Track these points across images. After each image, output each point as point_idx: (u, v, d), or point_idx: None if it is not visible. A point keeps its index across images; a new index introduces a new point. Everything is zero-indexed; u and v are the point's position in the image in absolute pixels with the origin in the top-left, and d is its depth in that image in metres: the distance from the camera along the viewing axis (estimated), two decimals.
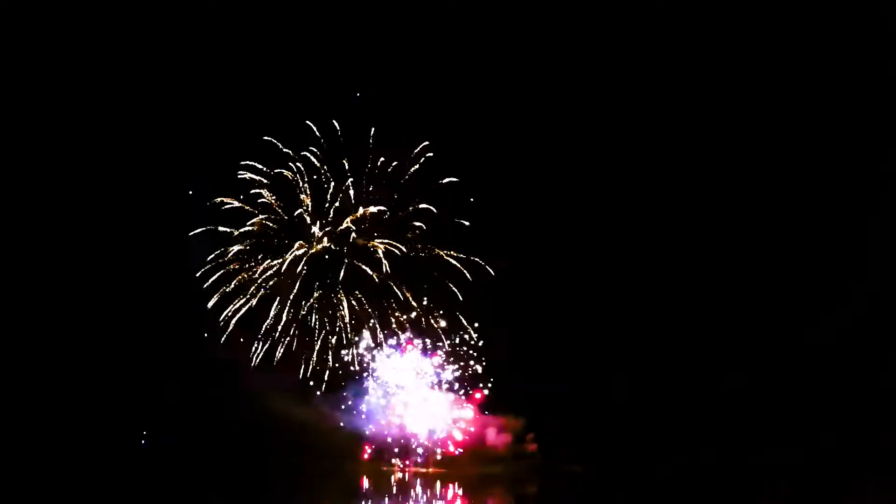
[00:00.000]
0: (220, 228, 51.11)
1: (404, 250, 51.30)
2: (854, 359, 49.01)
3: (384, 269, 51.07)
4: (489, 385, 52.12)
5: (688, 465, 49.69)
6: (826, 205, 50.26)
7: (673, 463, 50.06)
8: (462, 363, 52.19)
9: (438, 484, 49.41)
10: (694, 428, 50.07)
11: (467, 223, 50.95)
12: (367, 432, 52.40)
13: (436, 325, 51.87)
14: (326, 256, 51.74)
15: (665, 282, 52.06)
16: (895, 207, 47.89)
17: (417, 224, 51.54)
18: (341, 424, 52.16)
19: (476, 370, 51.99)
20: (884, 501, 41.53)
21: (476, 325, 51.41)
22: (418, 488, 48.27)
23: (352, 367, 51.75)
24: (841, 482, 46.17)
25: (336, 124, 51.15)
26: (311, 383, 51.15)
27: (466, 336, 51.63)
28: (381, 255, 51.25)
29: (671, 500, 45.32)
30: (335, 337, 51.49)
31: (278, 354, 50.88)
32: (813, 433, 48.26)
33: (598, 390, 51.05)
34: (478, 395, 52.22)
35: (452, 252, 51.19)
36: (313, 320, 51.44)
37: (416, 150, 51.27)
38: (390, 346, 52.06)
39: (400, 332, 52.08)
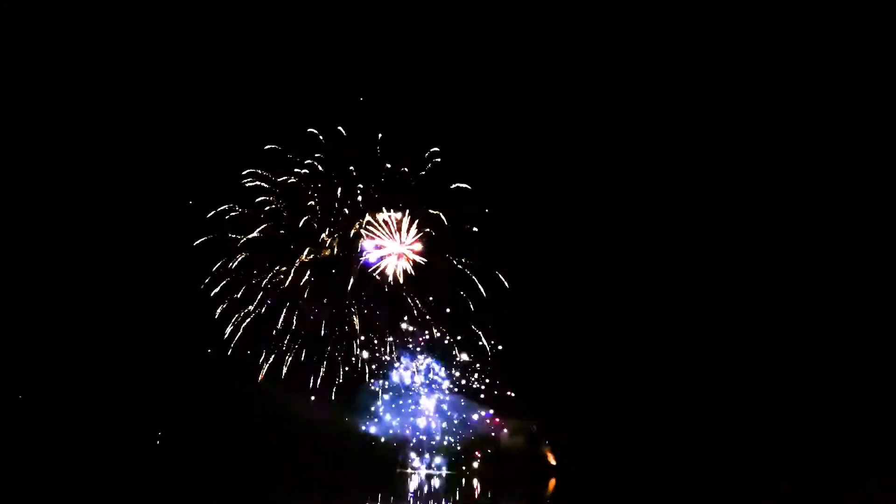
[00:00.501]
0: (229, 235, 51.47)
1: (416, 259, 51.70)
2: (854, 359, 48.78)
3: (394, 275, 51.57)
4: (502, 387, 52.54)
5: (688, 465, 49.75)
6: (826, 205, 50.04)
7: (673, 463, 50.15)
8: (474, 366, 52.68)
9: (451, 485, 49.99)
10: (694, 428, 50.07)
11: (476, 229, 51.35)
12: (379, 435, 53.25)
13: (446, 332, 52.43)
14: (333, 269, 52.20)
15: (665, 282, 52.12)
16: (895, 207, 47.67)
17: (427, 230, 51.79)
18: (351, 427, 52.86)
19: (488, 372, 52.50)
20: (884, 501, 41.35)
21: (489, 327, 51.79)
22: (430, 489, 48.78)
23: (363, 372, 52.29)
24: (841, 482, 46.06)
25: (342, 130, 51.56)
26: (322, 388, 51.49)
27: (480, 343, 52.10)
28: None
29: (671, 500, 45.41)
30: (345, 342, 51.93)
31: (287, 359, 51.27)
32: (813, 433, 48.07)
33: (599, 390, 51.31)
34: (490, 396, 52.73)
35: (463, 259, 51.52)
36: (323, 326, 51.82)
37: (424, 156, 51.60)
38: (401, 351, 52.63)
39: (411, 337, 52.58)
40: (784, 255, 50.58)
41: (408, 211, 51.38)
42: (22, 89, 51.00)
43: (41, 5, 50.33)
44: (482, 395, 53.09)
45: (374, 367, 52.40)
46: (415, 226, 51.33)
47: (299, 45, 52.53)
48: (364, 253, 51.51)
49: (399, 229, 51.37)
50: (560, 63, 53.28)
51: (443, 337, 52.50)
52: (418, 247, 51.40)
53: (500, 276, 50.76)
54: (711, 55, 51.18)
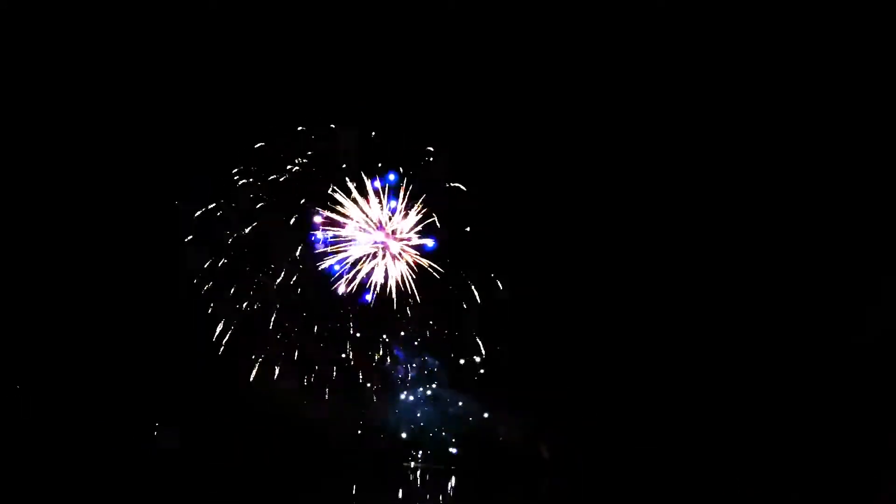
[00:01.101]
0: (219, 234, 51.11)
1: (410, 263, 51.24)
2: (854, 358, 48.89)
3: (387, 275, 51.15)
4: (500, 384, 52.39)
5: (687, 465, 49.62)
6: (828, 205, 50.09)
7: (672, 463, 49.98)
8: (470, 363, 52.51)
9: (451, 482, 50.66)
10: (693, 428, 50.02)
11: (468, 228, 51.03)
12: (375, 431, 53.29)
13: (442, 329, 52.13)
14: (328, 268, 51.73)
15: (665, 282, 52.14)
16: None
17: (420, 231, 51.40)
18: (346, 424, 52.70)
19: (485, 369, 52.37)
20: (883, 501, 41.46)
21: (487, 326, 51.78)
22: (427, 484, 49.41)
23: (358, 369, 51.99)
24: (839, 482, 46.06)
25: (334, 128, 51.17)
26: (316, 386, 51.25)
27: (477, 340, 52.01)
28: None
29: (671, 500, 45.37)
30: (339, 339, 51.69)
31: (281, 358, 50.98)
32: (813, 433, 48.11)
33: (598, 389, 51.23)
34: (487, 392, 52.70)
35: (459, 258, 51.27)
36: (315, 323, 51.47)
37: (417, 155, 51.22)
38: (396, 347, 52.39)
39: (406, 332, 52.36)
40: (784, 255, 50.74)
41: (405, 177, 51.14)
42: (17, 89, 50.50)
43: (39, 5, 49.72)
44: (479, 391, 52.98)
45: (368, 363, 52.11)
46: (415, 210, 51.24)
47: (291, 42, 51.85)
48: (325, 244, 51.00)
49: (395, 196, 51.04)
50: (560, 62, 53.16)
51: (439, 334, 52.34)
52: (429, 243, 51.24)
53: (496, 277, 50.68)
54: (711, 55, 51.19)
